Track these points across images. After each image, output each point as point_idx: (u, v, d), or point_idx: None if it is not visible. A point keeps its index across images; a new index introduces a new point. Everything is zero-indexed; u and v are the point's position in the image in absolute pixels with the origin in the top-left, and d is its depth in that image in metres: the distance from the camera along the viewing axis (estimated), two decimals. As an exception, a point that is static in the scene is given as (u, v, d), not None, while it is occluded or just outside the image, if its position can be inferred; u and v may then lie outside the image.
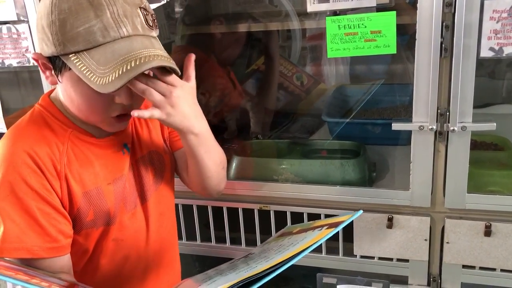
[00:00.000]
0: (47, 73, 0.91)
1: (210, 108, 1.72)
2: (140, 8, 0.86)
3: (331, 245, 1.40)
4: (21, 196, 0.88)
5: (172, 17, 1.95)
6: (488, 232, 1.23)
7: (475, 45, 1.10)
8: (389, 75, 1.90)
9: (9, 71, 1.73)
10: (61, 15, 0.82)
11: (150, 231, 1.07)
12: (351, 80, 1.99)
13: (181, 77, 0.93)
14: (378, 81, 1.86)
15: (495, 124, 1.15)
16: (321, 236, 0.84)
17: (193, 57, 0.95)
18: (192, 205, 1.50)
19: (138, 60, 0.82)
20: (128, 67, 0.81)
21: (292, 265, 0.77)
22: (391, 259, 1.36)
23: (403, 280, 1.36)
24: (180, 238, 1.53)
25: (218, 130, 1.77)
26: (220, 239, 1.52)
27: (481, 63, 1.19)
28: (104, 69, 0.81)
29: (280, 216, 1.43)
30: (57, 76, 0.90)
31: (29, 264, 0.88)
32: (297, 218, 1.41)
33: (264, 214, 1.44)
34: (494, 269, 1.27)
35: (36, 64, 0.92)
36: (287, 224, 1.42)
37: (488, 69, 1.75)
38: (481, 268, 1.28)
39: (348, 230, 1.34)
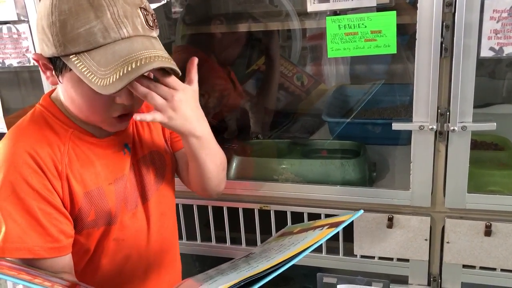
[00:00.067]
0: (48, 73, 0.91)
1: (209, 109, 1.72)
2: (140, 8, 0.86)
3: (332, 245, 1.40)
4: (22, 196, 0.88)
5: (169, 17, 1.96)
6: (488, 232, 1.23)
7: (475, 45, 1.10)
8: (389, 75, 1.90)
9: (9, 71, 1.74)
10: (62, 16, 0.82)
11: (151, 231, 1.07)
12: (351, 80, 1.99)
13: (182, 78, 0.93)
14: (379, 81, 1.86)
15: (495, 124, 1.15)
16: (322, 236, 0.84)
17: (196, 60, 0.96)
18: (193, 205, 1.51)
19: (139, 61, 0.81)
20: (129, 69, 0.81)
21: (293, 264, 0.78)
22: (391, 259, 1.36)
23: (404, 280, 1.36)
24: (180, 238, 1.53)
25: (218, 130, 1.77)
26: (220, 239, 1.52)
27: (481, 63, 1.19)
28: (105, 70, 0.81)
29: (280, 216, 1.43)
30: (57, 77, 0.90)
31: (31, 264, 0.88)
32: (298, 218, 1.41)
33: (264, 214, 1.44)
34: (494, 269, 1.27)
35: (36, 64, 0.92)
36: (287, 224, 1.42)
37: (488, 69, 1.76)
38: (481, 268, 1.28)
39: (348, 230, 1.34)
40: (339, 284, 1.07)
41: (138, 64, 0.81)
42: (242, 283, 0.75)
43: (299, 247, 0.83)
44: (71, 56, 0.83)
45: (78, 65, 0.82)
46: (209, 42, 1.77)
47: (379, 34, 1.16)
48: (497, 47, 1.09)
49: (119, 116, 0.94)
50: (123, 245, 1.03)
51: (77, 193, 0.94)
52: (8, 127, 1.50)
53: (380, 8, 1.16)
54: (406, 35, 1.32)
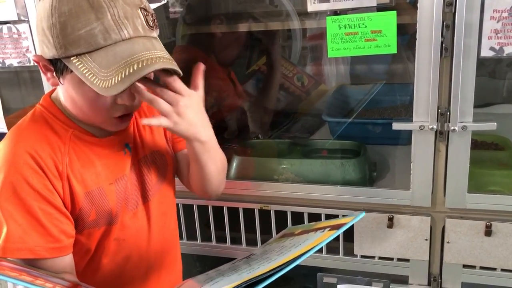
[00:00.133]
0: (48, 74, 0.91)
1: (208, 108, 1.72)
2: (140, 8, 0.85)
3: (332, 245, 1.40)
4: (23, 196, 0.88)
5: (168, 16, 1.96)
6: (488, 232, 1.23)
7: (476, 44, 1.10)
8: (389, 75, 1.90)
9: (9, 71, 1.73)
10: (62, 17, 0.82)
11: (151, 231, 1.07)
12: (352, 80, 1.99)
13: (183, 79, 0.92)
14: (379, 81, 1.86)
15: (495, 123, 1.15)
16: (324, 238, 0.83)
17: (202, 66, 0.96)
18: (193, 204, 1.51)
19: (140, 63, 0.81)
20: (131, 70, 0.81)
21: (293, 265, 0.78)
22: (391, 259, 1.36)
23: (404, 279, 1.36)
24: (180, 237, 1.52)
25: (218, 130, 1.77)
26: (221, 239, 1.52)
27: (482, 63, 1.19)
28: (106, 72, 0.81)
29: (281, 216, 1.43)
30: (58, 78, 0.89)
31: (32, 264, 0.88)
32: (298, 218, 1.41)
33: (265, 214, 1.44)
34: (494, 269, 1.27)
35: (36, 64, 0.92)
36: (287, 224, 1.42)
37: (489, 69, 1.75)
38: (481, 267, 1.28)
39: (349, 230, 1.34)
40: (339, 284, 1.07)
41: (140, 66, 0.81)
42: (244, 285, 0.75)
43: (301, 249, 0.83)
44: (72, 58, 0.83)
45: (79, 66, 0.82)
46: (210, 42, 1.77)
47: (379, 34, 1.16)
48: (497, 47, 1.09)
49: (120, 116, 0.94)
50: (124, 245, 1.03)
51: (77, 193, 0.94)
52: (8, 127, 1.50)
53: (380, 8, 1.16)
54: (407, 35, 1.32)
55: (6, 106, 1.57)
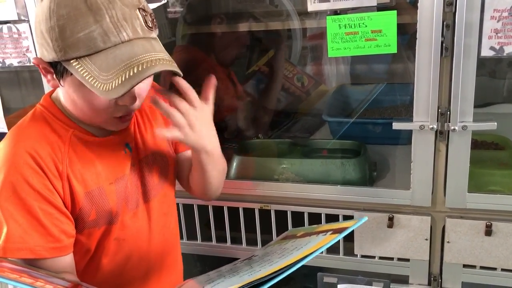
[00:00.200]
0: (49, 77, 0.91)
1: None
2: (139, 9, 0.85)
3: (332, 245, 1.40)
4: (23, 196, 0.88)
5: (168, 16, 1.96)
6: (488, 232, 1.23)
7: (476, 44, 1.10)
8: (389, 75, 1.90)
9: (9, 71, 1.73)
10: (60, 21, 0.81)
11: (152, 231, 1.07)
12: (352, 80, 1.99)
13: (187, 81, 0.92)
14: (379, 81, 1.86)
15: (495, 123, 1.15)
16: (326, 241, 0.84)
17: (214, 80, 0.97)
18: (193, 204, 1.51)
19: (140, 65, 0.81)
20: (131, 73, 0.80)
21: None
22: (391, 259, 1.36)
23: (404, 279, 1.36)
24: (181, 237, 1.52)
25: (218, 129, 1.77)
26: (221, 239, 1.52)
27: (482, 63, 1.19)
28: (106, 75, 0.81)
29: (281, 216, 1.43)
30: (59, 80, 0.89)
31: (32, 264, 0.88)
32: (298, 217, 1.41)
33: (265, 214, 1.44)
34: (494, 269, 1.27)
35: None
36: (287, 224, 1.42)
37: (489, 69, 1.75)
38: (481, 267, 1.28)
39: (349, 230, 1.34)
40: (339, 284, 1.07)
41: (140, 69, 0.81)
42: (245, 287, 0.75)
43: (302, 252, 0.83)
44: (71, 61, 0.83)
45: (79, 70, 0.82)
46: (210, 42, 1.77)
47: (379, 34, 1.16)
48: (497, 47, 1.09)
49: (121, 116, 0.94)
50: (124, 245, 1.03)
51: (78, 193, 0.94)
52: (9, 127, 1.50)
53: (381, 7, 1.16)
54: (407, 34, 1.32)
55: (6, 106, 1.57)
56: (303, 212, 1.40)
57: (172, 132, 0.92)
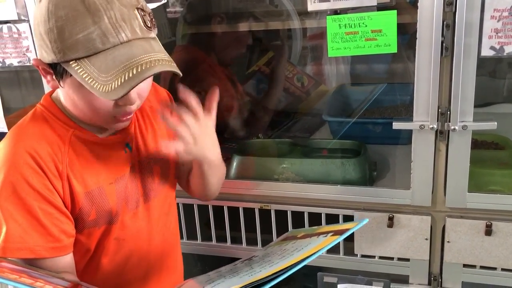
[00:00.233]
0: (48, 78, 0.91)
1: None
2: (137, 9, 0.84)
3: (332, 245, 1.40)
4: (23, 196, 0.88)
5: (166, 15, 1.96)
6: (488, 231, 1.23)
7: (476, 44, 1.10)
8: (389, 75, 1.90)
9: (9, 71, 1.73)
10: (59, 22, 0.81)
11: (152, 231, 1.07)
12: (352, 79, 1.99)
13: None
14: (379, 81, 1.86)
15: (496, 123, 1.15)
16: (326, 243, 0.84)
17: (217, 92, 0.99)
18: (193, 204, 1.51)
19: (139, 66, 0.81)
20: (130, 75, 0.80)
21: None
22: (392, 258, 1.36)
23: (404, 279, 1.36)
24: (181, 237, 1.52)
25: (218, 129, 1.77)
26: (221, 238, 1.52)
27: (482, 62, 1.19)
28: (106, 77, 0.81)
29: (281, 216, 1.43)
30: (58, 81, 0.89)
31: (32, 264, 0.88)
32: (298, 217, 1.41)
33: (265, 213, 1.44)
34: (495, 268, 1.27)
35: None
36: (287, 223, 1.42)
37: (489, 68, 1.75)
38: (481, 267, 1.28)
39: (349, 229, 1.34)
40: (339, 284, 1.07)
41: (139, 70, 0.81)
42: None
43: (303, 253, 0.83)
44: (71, 62, 0.82)
45: (78, 71, 0.82)
46: (210, 42, 1.77)
47: (379, 33, 1.16)
48: (497, 46, 1.09)
49: (121, 115, 0.94)
50: (124, 245, 1.03)
51: (78, 192, 0.94)
52: (9, 127, 1.50)
53: (381, 7, 1.16)
54: (407, 34, 1.32)
55: (6, 105, 1.57)
56: (303, 212, 1.40)
57: (176, 145, 0.93)
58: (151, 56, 0.83)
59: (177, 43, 1.88)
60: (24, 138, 0.92)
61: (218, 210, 1.49)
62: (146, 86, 0.93)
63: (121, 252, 1.03)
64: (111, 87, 0.80)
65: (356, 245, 1.37)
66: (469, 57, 1.11)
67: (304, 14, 1.57)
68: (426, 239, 1.30)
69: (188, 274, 1.23)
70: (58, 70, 0.86)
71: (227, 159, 1.55)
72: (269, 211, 1.43)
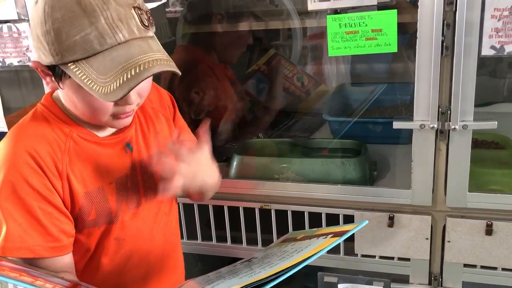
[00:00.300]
0: (48, 79, 0.90)
1: (204, 106, 1.72)
2: (134, 7, 0.84)
3: (332, 244, 1.40)
4: (23, 196, 0.88)
5: (166, 15, 1.96)
6: (489, 231, 1.23)
7: (476, 43, 1.09)
8: (390, 74, 1.90)
9: (9, 70, 1.73)
10: (55, 24, 0.81)
11: (153, 231, 1.07)
12: (352, 79, 1.99)
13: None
14: (379, 81, 1.86)
15: (496, 122, 1.15)
16: (326, 244, 0.84)
17: (208, 124, 1.01)
18: (193, 204, 1.50)
19: (137, 67, 0.81)
20: (129, 76, 0.80)
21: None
22: (392, 258, 1.36)
23: (404, 279, 1.36)
24: (181, 237, 1.52)
25: (219, 130, 1.77)
26: (221, 238, 1.52)
27: (482, 62, 1.19)
28: (104, 78, 0.80)
29: (281, 215, 1.43)
30: (58, 83, 0.89)
31: (31, 264, 0.88)
32: (298, 217, 1.41)
33: (265, 213, 1.44)
34: (495, 268, 1.27)
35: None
36: (288, 223, 1.42)
37: (489, 68, 1.75)
38: (482, 267, 1.28)
39: (349, 229, 1.34)
40: (340, 284, 1.07)
41: (137, 71, 0.80)
42: None
43: (302, 255, 0.83)
44: (69, 64, 0.82)
45: (77, 73, 0.81)
46: (210, 41, 1.77)
47: (380, 33, 1.16)
48: (498, 46, 1.09)
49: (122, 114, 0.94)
50: (124, 245, 1.03)
51: (77, 192, 0.93)
52: (9, 127, 1.50)
53: (381, 6, 1.16)
54: (407, 33, 1.32)
55: (6, 105, 1.56)
56: (304, 212, 1.40)
57: (177, 183, 0.94)
58: (149, 56, 0.83)
59: (177, 42, 1.88)
60: (24, 138, 0.91)
61: (218, 210, 1.49)
62: (146, 85, 0.93)
63: (121, 252, 1.03)
64: (110, 89, 0.80)
65: (357, 245, 1.37)
66: (469, 56, 1.11)
67: (304, 13, 1.57)
68: (427, 238, 1.30)
69: (188, 274, 1.23)
70: (56, 72, 0.86)
71: (227, 159, 1.56)
72: (270, 211, 1.43)
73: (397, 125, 1.23)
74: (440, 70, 1.14)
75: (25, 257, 0.88)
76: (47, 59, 0.84)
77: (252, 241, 1.49)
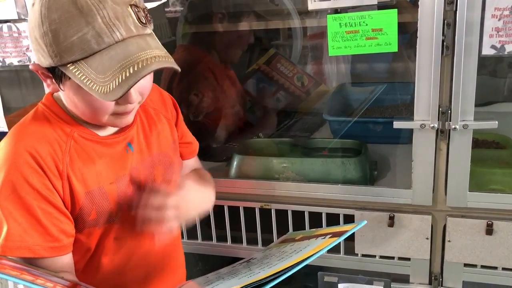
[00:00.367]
0: (48, 81, 0.90)
1: (203, 108, 1.72)
2: (131, 5, 0.84)
3: (332, 244, 1.40)
4: (23, 195, 0.88)
5: (166, 16, 1.96)
6: (489, 231, 1.23)
7: (477, 43, 1.09)
8: (390, 74, 1.89)
9: (9, 70, 1.73)
10: (52, 25, 0.81)
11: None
12: (352, 79, 1.99)
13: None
14: (380, 81, 1.86)
15: (496, 122, 1.15)
16: (325, 245, 0.84)
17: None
18: (193, 204, 1.50)
19: (136, 65, 0.80)
20: (127, 74, 0.80)
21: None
22: (392, 258, 1.36)
23: (405, 278, 1.36)
24: (181, 237, 1.52)
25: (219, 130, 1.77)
26: (221, 238, 1.52)
27: (483, 61, 1.18)
28: (103, 78, 0.80)
29: (282, 215, 1.43)
30: (58, 85, 0.89)
31: (31, 263, 0.88)
32: (299, 216, 1.41)
33: (266, 213, 1.44)
34: (495, 268, 1.27)
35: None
36: (288, 223, 1.42)
37: (490, 67, 1.75)
38: (482, 266, 1.28)
39: (350, 229, 1.34)
40: (340, 283, 1.07)
41: (136, 69, 0.80)
42: None
43: (301, 255, 0.83)
44: (68, 65, 0.82)
45: (76, 73, 0.81)
46: (211, 41, 1.77)
47: (380, 32, 1.16)
48: (498, 45, 1.09)
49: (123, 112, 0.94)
50: (124, 245, 1.03)
51: (78, 192, 0.93)
52: (9, 126, 1.50)
53: (381, 6, 1.16)
54: (407, 33, 1.31)
55: (6, 105, 1.56)
56: (304, 211, 1.40)
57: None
58: (147, 53, 0.83)
59: (177, 42, 1.88)
60: (25, 137, 0.91)
61: (219, 209, 1.49)
62: (147, 83, 0.92)
63: (122, 252, 1.03)
64: (109, 88, 0.79)
65: (357, 244, 1.37)
66: (470, 56, 1.10)
67: (304, 13, 1.57)
68: (427, 238, 1.30)
69: (189, 273, 1.23)
70: (56, 73, 0.86)
71: (227, 159, 1.56)
72: (270, 210, 1.43)
73: (397, 124, 1.23)
74: (441, 70, 1.14)
75: (24, 256, 0.88)
76: (46, 61, 0.84)
77: (252, 241, 1.49)
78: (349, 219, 1.35)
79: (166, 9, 1.97)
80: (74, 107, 0.93)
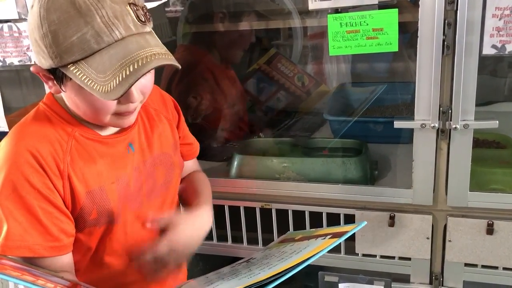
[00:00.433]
0: (50, 83, 0.90)
1: (202, 111, 1.72)
2: (130, 4, 0.84)
3: (333, 244, 1.40)
4: (23, 195, 0.88)
5: (166, 16, 1.96)
6: (490, 231, 1.23)
7: (478, 42, 1.09)
8: (391, 73, 1.89)
9: (10, 70, 1.73)
10: (52, 26, 0.81)
11: (154, 231, 1.07)
12: (353, 79, 1.99)
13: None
14: (380, 80, 1.86)
15: (497, 122, 1.15)
16: (324, 245, 0.84)
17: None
18: (194, 203, 1.50)
19: (135, 63, 0.81)
20: (127, 72, 0.80)
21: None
22: (393, 258, 1.35)
23: (405, 278, 1.36)
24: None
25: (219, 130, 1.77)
26: (222, 238, 1.52)
27: (484, 61, 1.18)
28: (104, 77, 0.80)
29: (282, 215, 1.42)
30: (60, 86, 0.89)
31: (31, 263, 0.88)
32: (299, 216, 1.41)
33: (266, 213, 1.44)
34: (496, 267, 1.27)
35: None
36: (289, 222, 1.42)
37: (491, 67, 1.75)
38: (483, 266, 1.28)
39: (350, 228, 1.34)
40: (340, 283, 1.07)
41: (136, 67, 0.80)
42: None
43: (301, 256, 0.83)
44: (68, 66, 0.82)
45: (77, 74, 0.81)
46: (212, 41, 1.77)
47: (381, 32, 1.16)
48: (499, 45, 1.09)
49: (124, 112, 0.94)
50: (125, 244, 1.03)
51: (79, 192, 0.93)
52: (10, 126, 1.50)
53: (382, 5, 1.15)
54: (408, 33, 1.31)
55: (7, 105, 1.56)
56: (304, 211, 1.40)
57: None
58: (147, 51, 0.83)
59: (177, 42, 1.88)
60: (25, 137, 0.91)
61: (219, 209, 1.49)
62: (148, 82, 0.92)
63: (123, 252, 1.03)
64: (110, 87, 0.80)
65: (357, 244, 1.36)
66: (470, 55, 1.10)
67: (305, 13, 1.57)
68: (428, 238, 1.30)
69: (189, 273, 1.23)
70: (57, 74, 0.86)
71: (227, 159, 1.56)
72: (270, 210, 1.43)
73: (398, 124, 1.23)
74: (441, 69, 1.14)
75: (24, 256, 0.88)
76: (46, 63, 0.84)
77: (252, 241, 1.49)
78: (350, 219, 1.35)
79: (166, 9, 1.97)
80: (76, 108, 0.93)
